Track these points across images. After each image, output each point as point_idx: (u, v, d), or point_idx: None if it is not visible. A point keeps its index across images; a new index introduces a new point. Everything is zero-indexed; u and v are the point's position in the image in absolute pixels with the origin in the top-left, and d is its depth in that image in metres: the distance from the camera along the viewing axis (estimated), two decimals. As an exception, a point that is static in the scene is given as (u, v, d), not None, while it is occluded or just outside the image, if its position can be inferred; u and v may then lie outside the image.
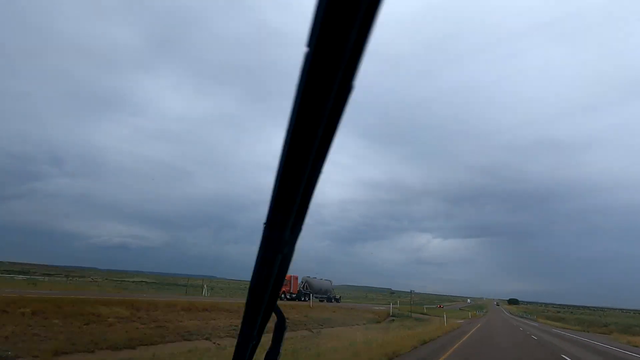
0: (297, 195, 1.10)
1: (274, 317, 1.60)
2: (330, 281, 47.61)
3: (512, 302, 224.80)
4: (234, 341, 1.63)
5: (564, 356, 17.33)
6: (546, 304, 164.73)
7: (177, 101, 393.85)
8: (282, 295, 35.21)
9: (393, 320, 34.03)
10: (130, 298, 20.05)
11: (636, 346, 26.79)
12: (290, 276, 37.15)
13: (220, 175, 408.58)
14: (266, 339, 1.66)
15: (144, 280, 74.77)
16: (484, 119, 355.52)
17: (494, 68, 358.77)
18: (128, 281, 64.49)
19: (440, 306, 75.90)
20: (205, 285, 42.31)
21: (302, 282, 42.03)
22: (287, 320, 1.69)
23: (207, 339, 14.92)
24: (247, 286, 1.39)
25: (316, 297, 41.38)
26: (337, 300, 46.75)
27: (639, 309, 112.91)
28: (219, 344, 14.14)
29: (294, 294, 38.75)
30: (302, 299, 38.60)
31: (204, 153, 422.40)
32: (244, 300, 1.45)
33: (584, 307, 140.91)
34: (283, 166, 1.05)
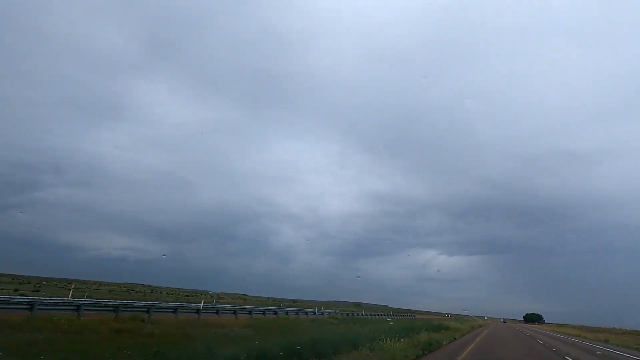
0: None
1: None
2: None
3: (532, 319, 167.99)
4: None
5: None
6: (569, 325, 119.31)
7: (176, 107, 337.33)
8: None
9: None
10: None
11: None
12: None
13: (221, 184, 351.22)
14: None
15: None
16: (493, 128, 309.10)
17: (503, 72, 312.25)
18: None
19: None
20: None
21: None
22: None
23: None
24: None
25: None
26: None
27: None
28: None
29: None
30: None
31: (204, 161, 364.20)
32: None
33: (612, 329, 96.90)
34: None
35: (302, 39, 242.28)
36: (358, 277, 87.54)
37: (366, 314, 58.91)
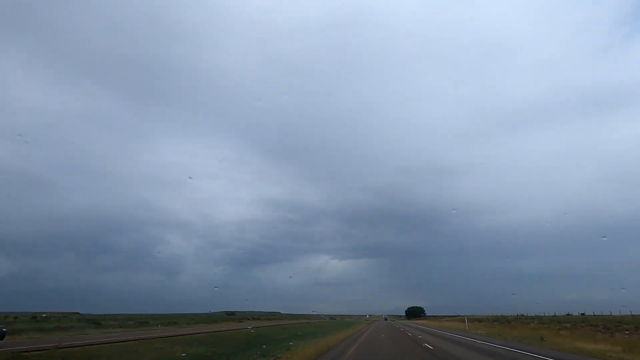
0: None
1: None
2: None
3: (414, 313, 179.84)
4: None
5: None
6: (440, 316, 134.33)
7: (33, 90, 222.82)
8: None
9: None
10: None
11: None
12: None
13: (92, 186, 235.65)
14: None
15: None
16: (379, 142, 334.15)
17: (387, 91, 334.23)
18: None
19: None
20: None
21: None
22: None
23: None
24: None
25: None
26: None
27: (493, 315, 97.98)
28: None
29: None
30: None
31: (70, 158, 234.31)
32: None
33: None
34: None
35: (198, 34, 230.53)
36: (215, 287, 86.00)
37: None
